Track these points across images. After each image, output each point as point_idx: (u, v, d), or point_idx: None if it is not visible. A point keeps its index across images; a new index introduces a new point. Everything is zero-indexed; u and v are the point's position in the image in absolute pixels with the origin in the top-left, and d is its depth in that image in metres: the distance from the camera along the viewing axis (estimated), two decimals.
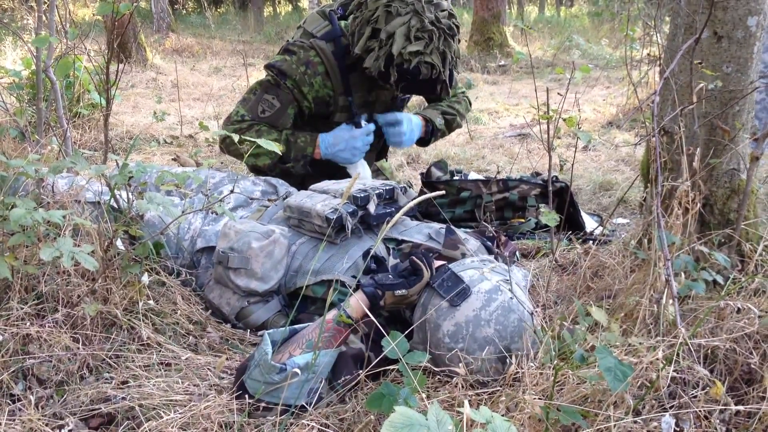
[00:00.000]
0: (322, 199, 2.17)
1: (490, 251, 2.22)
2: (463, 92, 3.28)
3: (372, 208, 2.15)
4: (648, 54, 6.08)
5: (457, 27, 2.59)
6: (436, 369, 1.69)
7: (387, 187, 2.23)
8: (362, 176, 2.90)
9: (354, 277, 2.03)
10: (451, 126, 3.17)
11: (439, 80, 2.59)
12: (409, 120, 2.93)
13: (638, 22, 6.97)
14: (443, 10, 2.54)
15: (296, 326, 1.79)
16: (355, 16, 2.64)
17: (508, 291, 1.75)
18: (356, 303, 1.77)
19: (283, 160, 2.73)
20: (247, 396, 1.62)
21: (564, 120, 2.45)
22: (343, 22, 2.80)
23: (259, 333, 2.04)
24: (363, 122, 2.80)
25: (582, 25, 14.81)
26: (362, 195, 2.14)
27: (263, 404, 1.61)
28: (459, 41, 2.62)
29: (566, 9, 22.31)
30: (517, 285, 1.83)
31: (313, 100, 2.75)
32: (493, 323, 1.70)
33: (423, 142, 3.14)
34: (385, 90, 2.88)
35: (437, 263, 1.95)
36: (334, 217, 2.05)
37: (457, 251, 2.09)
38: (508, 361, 1.66)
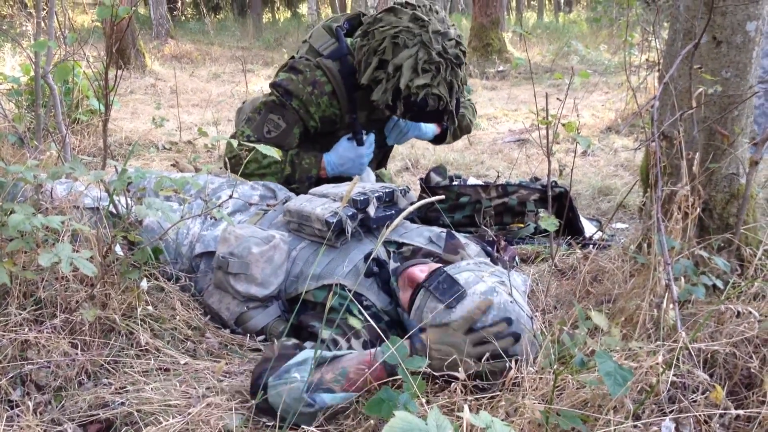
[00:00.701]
0: (322, 202, 2.16)
1: (490, 256, 2.22)
2: (469, 99, 3.27)
3: (372, 211, 2.15)
4: (647, 59, 6.08)
5: (464, 53, 2.58)
6: (435, 373, 1.68)
7: (387, 190, 2.23)
8: (368, 180, 2.91)
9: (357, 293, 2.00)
10: (461, 125, 3.16)
11: (446, 110, 2.58)
12: None
13: (637, 28, 6.98)
14: (450, 39, 2.53)
15: (339, 353, 1.71)
16: (361, 45, 2.62)
17: (505, 293, 1.74)
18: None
19: (289, 180, 2.74)
20: (263, 392, 1.60)
21: (563, 125, 2.45)
22: (349, 39, 2.79)
23: (305, 350, 1.80)
24: (363, 136, 2.81)
25: (580, 31, 14.85)
26: (362, 198, 2.14)
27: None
28: (466, 66, 2.62)
29: (565, 15, 22.37)
30: (514, 288, 1.82)
31: (319, 119, 2.75)
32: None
33: (438, 139, 3.18)
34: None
35: (435, 266, 1.95)
36: (334, 220, 2.05)
37: (457, 255, 2.08)
38: (506, 364, 1.65)
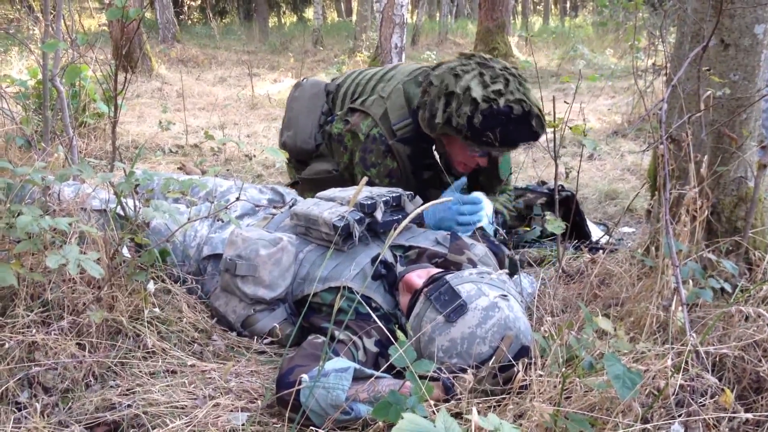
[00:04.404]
0: (329, 206, 2.16)
1: (497, 256, 2.22)
2: (512, 190, 3.09)
3: (379, 215, 2.15)
4: (653, 63, 6.08)
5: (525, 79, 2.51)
6: (442, 376, 1.68)
7: (394, 194, 2.22)
8: None
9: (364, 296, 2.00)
10: (506, 224, 2.95)
11: (531, 114, 2.45)
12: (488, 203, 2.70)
13: (643, 32, 6.97)
14: (501, 63, 2.51)
15: (381, 374, 1.69)
16: (423, 102, 2.57)
17: (506, 308, 1.73)
18: (437, 395, 1.68)
19: None
20: (292, 399, 1.58)
21: (571, 128, 2.44)
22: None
23: (340, 358, 1.76)
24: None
25: (586, 35, 14.84)
26: (369, 202, 2.13)
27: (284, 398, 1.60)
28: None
29: (571, 19, 22.38)
30: (514, 299, 1.80)
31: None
32: (489, 341, 1.68)
33: None
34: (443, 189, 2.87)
35: (434, 271, 1.94)
36: (342, 224, 2.05)
37: (462, 256, 2.08)
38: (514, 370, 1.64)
